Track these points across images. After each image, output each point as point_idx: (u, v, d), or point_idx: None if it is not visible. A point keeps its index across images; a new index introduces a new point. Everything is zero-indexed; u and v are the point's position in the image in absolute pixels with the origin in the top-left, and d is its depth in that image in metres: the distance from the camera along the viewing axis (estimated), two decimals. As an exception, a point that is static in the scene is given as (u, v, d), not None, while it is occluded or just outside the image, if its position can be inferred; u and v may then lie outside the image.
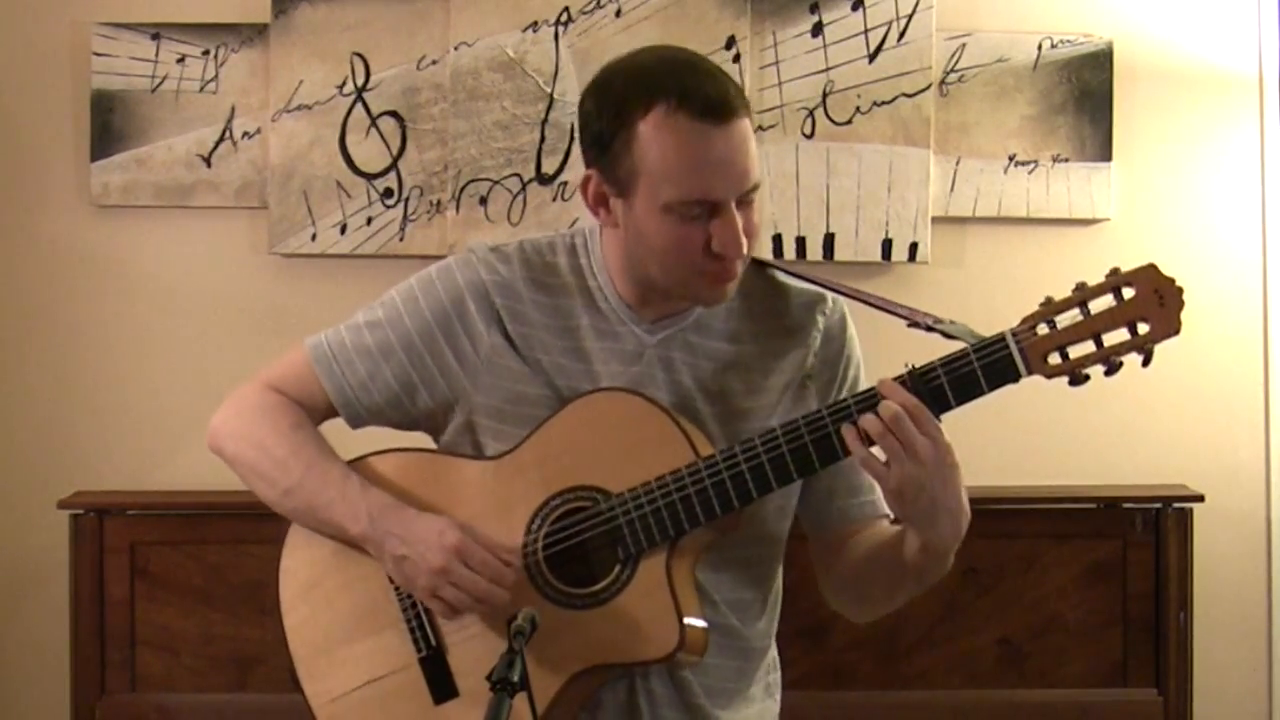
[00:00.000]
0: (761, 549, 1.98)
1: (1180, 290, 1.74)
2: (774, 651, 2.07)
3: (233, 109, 3.50)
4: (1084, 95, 3.48)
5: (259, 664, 3.22)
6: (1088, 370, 1.76)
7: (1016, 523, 3.29)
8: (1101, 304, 1.76)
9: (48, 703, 3.41)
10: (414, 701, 1.93)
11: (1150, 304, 1.74)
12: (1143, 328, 1.74)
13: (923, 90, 3.46)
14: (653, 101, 1.81)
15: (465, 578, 1.85)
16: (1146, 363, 1.75)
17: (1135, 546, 3.26)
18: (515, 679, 1.66)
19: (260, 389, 2.01)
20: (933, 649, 3.26)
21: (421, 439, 2.04)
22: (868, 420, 1.77)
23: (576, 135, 1.94)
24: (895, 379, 1.79)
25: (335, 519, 1.93)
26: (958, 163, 3.49)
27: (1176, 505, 3.26)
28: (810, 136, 3.47)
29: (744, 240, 1.83)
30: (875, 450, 1.79)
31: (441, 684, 1.93)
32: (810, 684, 3.13)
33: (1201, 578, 3.30)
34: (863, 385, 2.01)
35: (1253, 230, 3.52)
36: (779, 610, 2.05)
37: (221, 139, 3.50)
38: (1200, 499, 3.27)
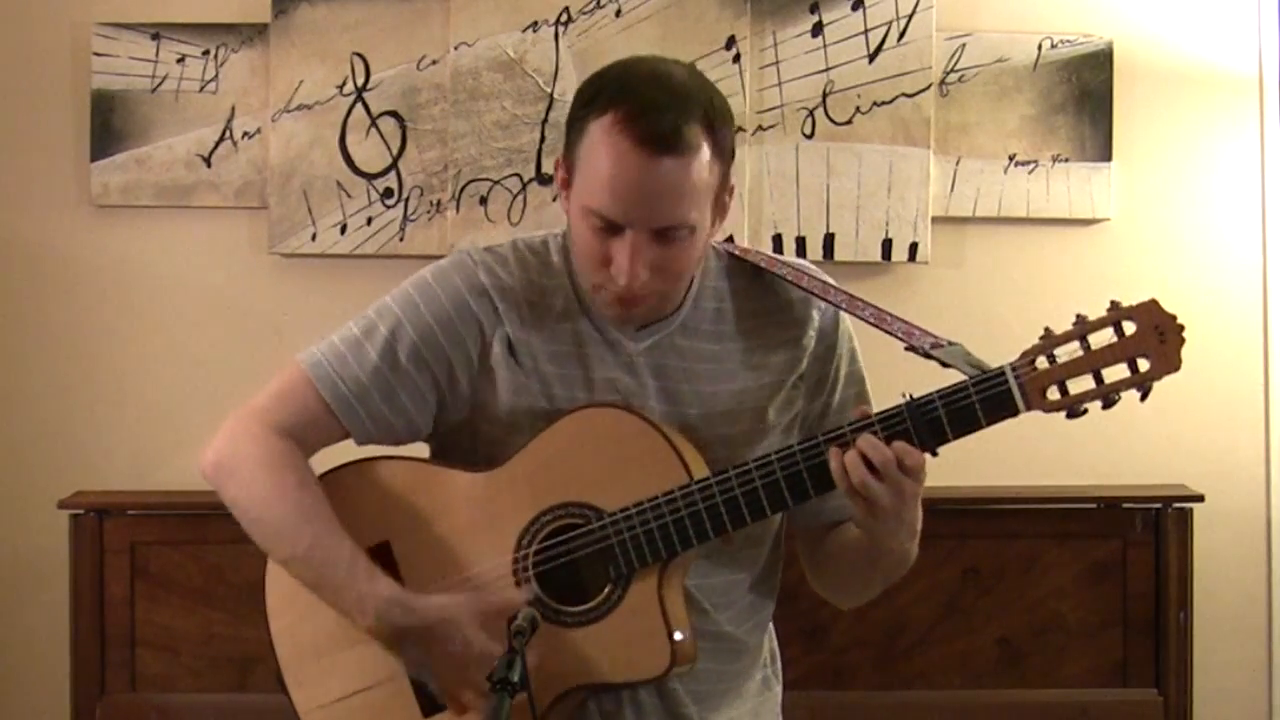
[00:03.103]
0: (750, 549, 1.98)
1: (1181, 327, 1.73)
2: (772, 644, 2.07)
3: (233, 109, 3.50)
4: (1084, 95, 3.48)
5: (259, 664, 3.21)
6: (1085, 405, 1.76)
7: (1016, 523, 3.29)
8: (1101, 338, 1.75)
9: (48, 703, 3.41)
10: (401, 713, 1.92)
11: (1150, 340, 1.73)
12: (1143, 364, 1.74)
13: (923, 90, 3.46)
14: (609, 107, 1.80)
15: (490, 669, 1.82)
16: (1144, 398, 1.74)
17: (1135, 546, 3.26)
18: (515, 679, 1.66)
19: (263, 429, 1.93)
20: (933, 649, 3.26)
21: (415, 448, 2.02)
22: (855, 466, 1.77)
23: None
24: (892, 409, 1.78)
25: (341, 606, 1.89)
26: (958, 163, 3.49)
27: (1176, 505, 3.26)
28: (810, 136, 3.47)
29: (637, 271, 1.81)
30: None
31: (429, 695, 1.91)
32: (810, 684, 3.12)
33: (1201, 578, 3.29)
34: (859, 380, 2.00)
35: (1253, 230, 3.52)
36: (774, 602, 2.04)
37: (221, 139, 3.50)
38: (1200, 499, 3.27)
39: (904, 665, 3.26)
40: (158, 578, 3.25)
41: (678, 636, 1.83)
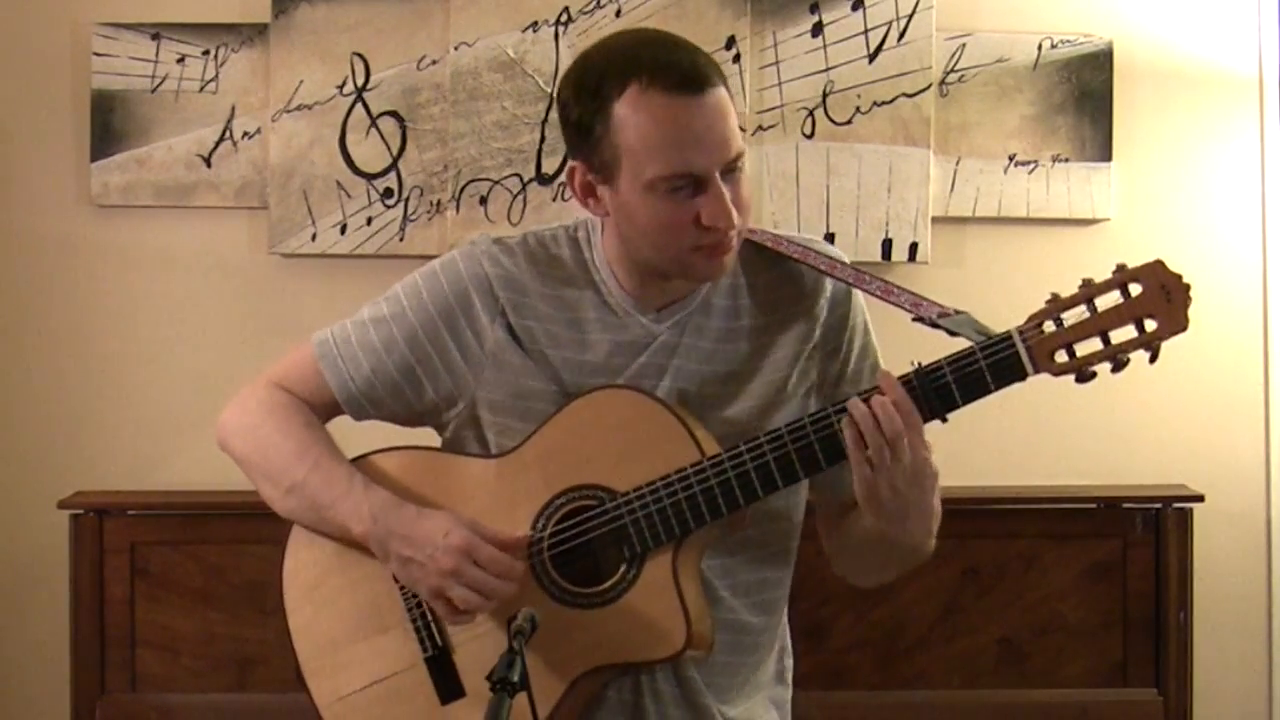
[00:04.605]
0: (769, 530, 1.98)
1: (1187, 286, 1.73)
2: (786, 640, 2.07)
3: (233, 109, 3.50)
4: (1084, 95, 3.48)
5: (259, 664, 3.22)
6: (1094, 368, 1.76)
7: (1016, 523, 3.29)
8: (1108, 301, 1.74)
9: (48, 703, 3.41)
10: (420, 701, 1.93)
11: (1157, 300, 1.73)
12: (1150, 324, 1.73)
13: (923, 90, 3.46)
14: (626, 81, 1.81)
15: (474, 576, 1.84)
16: (1153, 359, 1.74)
17: (1135, 546, 3.26)
18: (515, 679, 1.66)
19: (268, 387, 2.01)
20: (933, 649, 3.26)
21: (426, 436, 2.03)
22: (866, 423, 1.76)
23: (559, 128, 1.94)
24: (900, 377, 1.79)
25: (338, 518, 1.93)
26: (958, 163, 3.49)
27: (1176, 505, 3.26)
28: (810, 136, 3.47)
29: (733, 211, 1.82)
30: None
31: (448, 683, 1.93)
32: (810, 684, 3.10)
33: (1201, 578, 3.29)
34: (873, 352, 2.00)
35: (1253, 230, 3.52)
36: (787, 593, 2.04)
37: (221, 139, 3.50)
38: (1200, 499, 3.27)
39: (904, 665, 3.26)
40: (158, 578, 3.25)
41: (694, 618, 1.83)
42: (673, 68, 1.80)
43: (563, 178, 3.44)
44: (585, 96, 1.84)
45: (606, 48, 1.88)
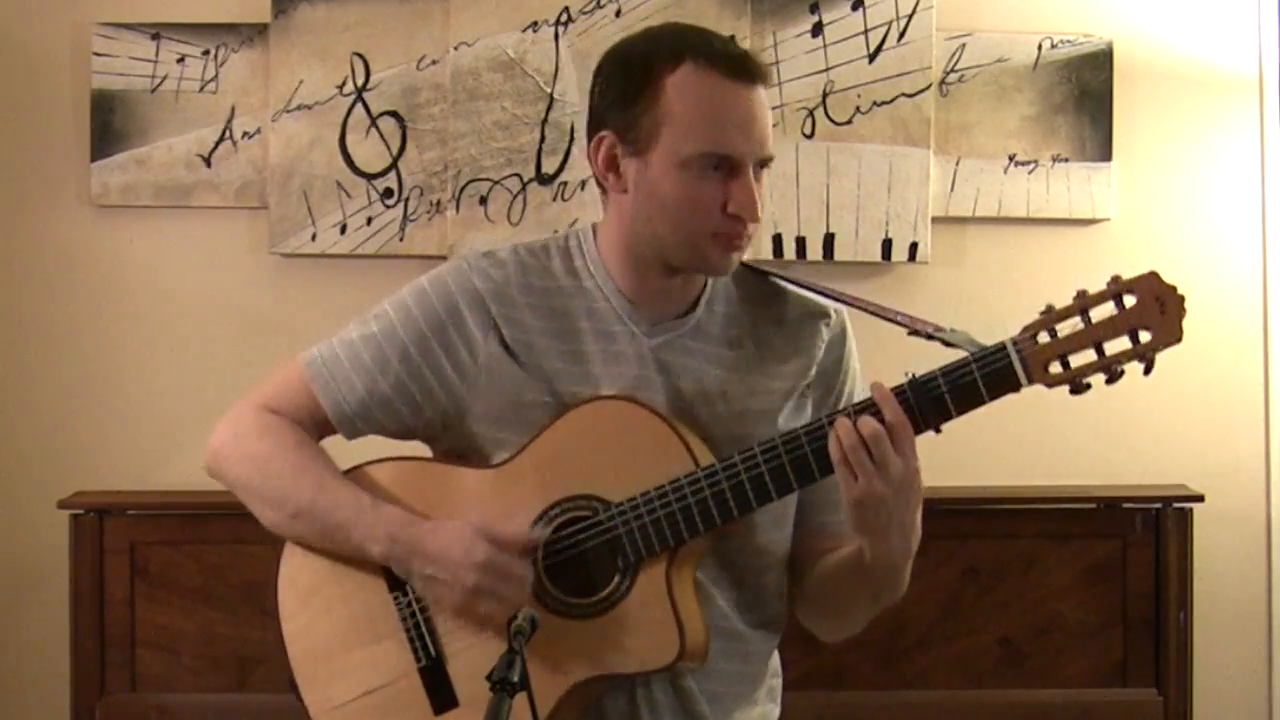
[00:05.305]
0: (762, 556, 1.97)
1: (1182, 298, 1.73)
2: (777, 662, 2.06)
3: (233, 109, 3.50)
4: (1084, 95, 3.48)
5: (259, 664, 3.22)
6: (1089, 379, 1.76)
7: (1016, 523, 3.29)
8: (1102, 312, 1.75)
9: (48, 703, 3.41)
10: (413, 711, 1.92)
11: (1151, 312, 1.73)
12: (1144, 336, 1.74)
13: (923, 90, 3.46)
14: (682, 57, 1.85)
15: (501, 590, 1.84)
16: (1148, 371, 1.75)
17: (1135, 546, 3.26)
18: (515, 679, 1.66)
19: (257, 409, 1.98)
20: (933, 649, 3.26)
21: (418, 448, 2.03)
22: (847, 431, 1.76)
23: (585, 113, 1.96)
24: (895, 389, 1.79)
25: (353, 541, 1.91)
26: (958, 163, 3.49)
27: (1176, 505, 3.26)
28: (810, 136, 3.47)
29: (758, 204, 1.85)
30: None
31: (441, 693, 1.92)
32: (810, 684, 3.13)
33: (1201, 578, 3.29)
34: (858, 396, 1.99)
35: (1253, 230, 3.52)
36: (784, 618, 2.03)
37: (221, 139, 3.50)
38: (1200, 499, 3.27)
39: (904, 665, 3.26)
40: (158, 578, 3.25)
41: (688, 628, 1.83)
42: (730, 54, 1.86)
43: (563, 178, 3.44)
44: (634, 69, 1.87)
45: (657, 30, 1.93)
